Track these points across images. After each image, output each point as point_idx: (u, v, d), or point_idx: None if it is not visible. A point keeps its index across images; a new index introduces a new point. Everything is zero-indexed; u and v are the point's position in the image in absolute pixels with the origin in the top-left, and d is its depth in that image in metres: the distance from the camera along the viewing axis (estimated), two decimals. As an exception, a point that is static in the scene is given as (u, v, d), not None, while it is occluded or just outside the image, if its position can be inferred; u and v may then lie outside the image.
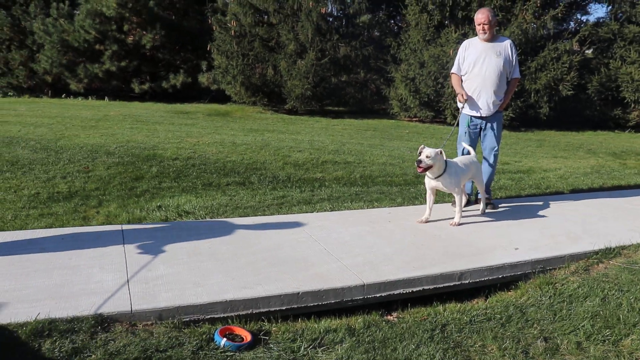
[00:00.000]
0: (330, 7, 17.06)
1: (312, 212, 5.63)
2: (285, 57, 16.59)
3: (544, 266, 4.36)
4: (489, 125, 5.70)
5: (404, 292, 3.82)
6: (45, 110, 15.03)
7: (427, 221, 5.22)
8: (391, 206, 5.93)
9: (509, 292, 4.10)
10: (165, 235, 4.56)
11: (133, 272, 3.70)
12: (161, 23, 19.64)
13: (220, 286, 3.53)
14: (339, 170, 8.22)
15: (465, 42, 5.76)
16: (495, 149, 5.76)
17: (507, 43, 5.59)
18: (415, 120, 16.91)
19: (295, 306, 3.51)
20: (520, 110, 14.69)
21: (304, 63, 16.23)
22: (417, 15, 15.56)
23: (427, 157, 4.85)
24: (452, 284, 3.99)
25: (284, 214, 5.51)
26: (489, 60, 5.52)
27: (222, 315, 3.34)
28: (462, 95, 5.62)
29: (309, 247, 4.36)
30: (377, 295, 3.73)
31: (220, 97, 19.83)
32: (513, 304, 3.78)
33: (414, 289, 3.85)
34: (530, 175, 8.22)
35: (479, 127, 5.75)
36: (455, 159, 5.35)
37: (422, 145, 4.96)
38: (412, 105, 15.87)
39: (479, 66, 5.56)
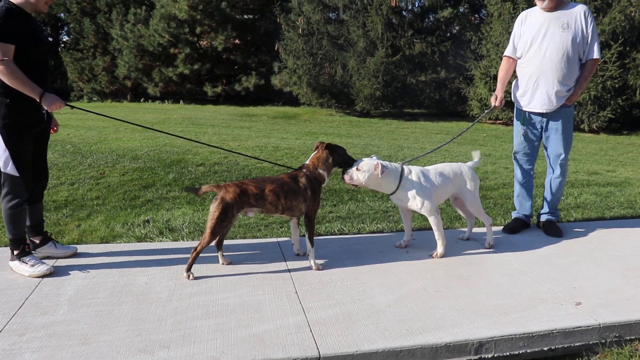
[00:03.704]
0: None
1: (317, 236, 4.47)
2: (354, 55, 15.44)
3: (621, 334, 2.89)
4: (552, 124, 4.20)
5: (385, 369, 2.57)
6: (111, 114, 14.98)
7: (401, 246, 4.11)
8: (421, 229, 4.62)
9: (558, 376, 2.73)
10: (104, 264, 3.62)
11: (20, 316, 2.77)
12: (233, 24, 19.23)
13: (112, 347, 2.49)
14: (382, 179, 6.95)
15: (522, 15, 4.30)
16: (562, 156, 4.24)
17: (580, 10, 4.04)
18: (499, 123, 15.08)
19: (209, 387, 2.39)
20: (622, 110, 12.51)
21: (373, 61, 14.98)
22: (500, 5, 13.82)
23: (357, 169, 3.67)
24: (464, 359, 2.66)
25: (278, 237, 4.40)
26: (551, 36, 4.02)
27: (97, 396, 2.30)
28: (496, 97, 4.26)
29: (274, 288, 3.21)
30: (341, 373, 2.52)
31: (294, 100, 19.07)
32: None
33: (402, 366, 2.59)
34: (624, 190, 6.43)
35: (539, 126, 4.28)
36: (430, 167, 3.94)
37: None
38: (493, 106, 14.11)
39: (537, 45, 4.08)
